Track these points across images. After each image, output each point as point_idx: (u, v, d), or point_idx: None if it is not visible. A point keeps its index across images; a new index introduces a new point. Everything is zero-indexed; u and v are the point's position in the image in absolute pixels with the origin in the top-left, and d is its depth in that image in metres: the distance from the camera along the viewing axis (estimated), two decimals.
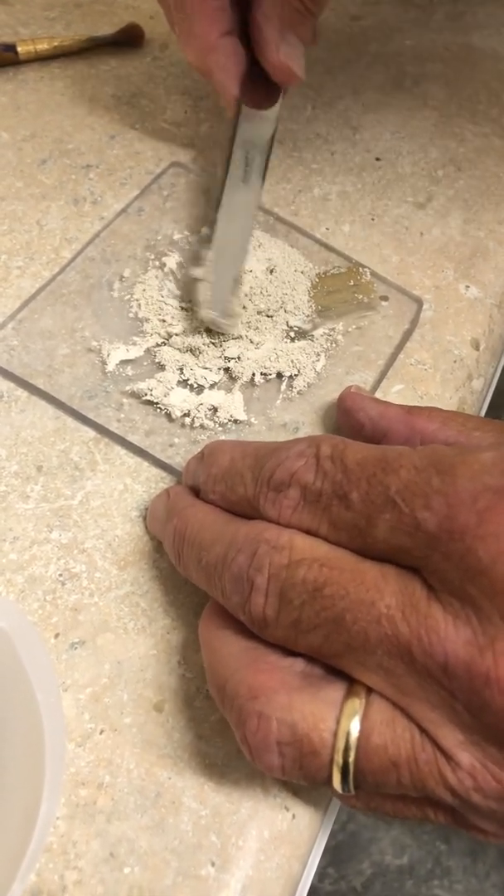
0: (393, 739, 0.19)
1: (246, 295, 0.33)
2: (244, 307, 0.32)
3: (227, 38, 0.32)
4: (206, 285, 0.32)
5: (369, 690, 0.20)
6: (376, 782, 0.20)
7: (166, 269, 0.34)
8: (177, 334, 0.32)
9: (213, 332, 0.32)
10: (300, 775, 0.21)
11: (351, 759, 0.20)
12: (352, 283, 0.34)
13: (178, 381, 0.31)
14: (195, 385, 0.31)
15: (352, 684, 0.21)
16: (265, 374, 0.32)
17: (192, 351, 0.32)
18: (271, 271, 0.34)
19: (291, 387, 0.32)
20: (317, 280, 0.34)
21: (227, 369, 0.32)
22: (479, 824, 0.20)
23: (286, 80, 0.33)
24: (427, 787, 0.19)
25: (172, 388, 0.31)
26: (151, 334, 0.32)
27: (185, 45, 0.33)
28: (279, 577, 0.21)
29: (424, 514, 0.19)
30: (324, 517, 0.22)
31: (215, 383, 0.31)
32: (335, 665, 0.21)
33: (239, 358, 0.32)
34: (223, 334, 0.32)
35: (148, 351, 0.32)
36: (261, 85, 0.34)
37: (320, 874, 0.97)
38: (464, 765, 0.19)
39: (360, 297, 0.34)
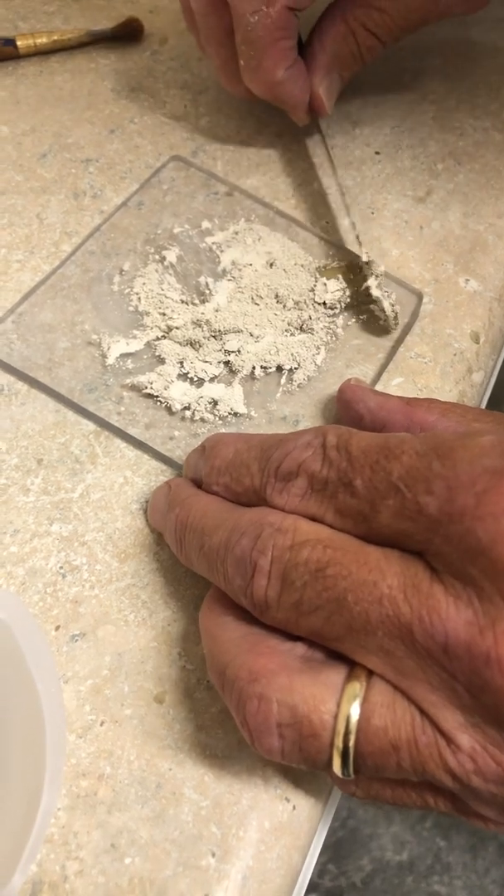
0: (393, 722, 0.19)
1: (245, 289, 0.33)
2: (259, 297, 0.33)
3: (292, 69, 0.34)
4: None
5: (370, 674, 0.20)
6: (376, 766, 0.20)
7: (166, 263, 0.34)
8: (177, 328, 0.32)
9: (212, 325, 0.32)
10: (300, 758, 0.21)
11: (351, 742, 0.20)
12: (351, 276, 0.34)
13: (178, 375, 0.31)
14: (195, 378, 0.31)
15: (352, 668, 0.21)
16: (265, 368, 0.32)
17: (192, 344, 0.32)
18: (271, 265, 0.34)
19: (291, 380, 0.32)
20: (317, 274, 0.34)
21: (227, 362, 0.32)
22: (479, 810, 0.20)
23: (316, 110, 0.36)
24: (427, 770, 0.19)
25: (172, 381, 0.31)
26: (151, 328, 0.32)
27: (253, 78, 0.34)
28: (282, 559, 0.21)
29: (426, 498, 0.19)
30: (330, 505, 0.22)
31: (215, 376, 0.31)
32: (336, 648, 0.21)
33: (239, 351, 0.32)
34: (223, 331, 0.32)
35: (148, 344, 0.32)
36: None
37: (320, 870, 0.97)
38: (464, 747, 0.19)
39: (360, 290, 0.34)
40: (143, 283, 0.33)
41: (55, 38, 0.41)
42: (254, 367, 0.32)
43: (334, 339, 0.33)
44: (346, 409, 0.28)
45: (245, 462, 0.24)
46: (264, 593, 0.21)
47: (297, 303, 0.33)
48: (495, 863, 1.00)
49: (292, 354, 0.32)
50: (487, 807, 0.20)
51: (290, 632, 0.22)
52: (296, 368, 0.32)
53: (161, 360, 0.31)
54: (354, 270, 0.34)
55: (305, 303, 0.33)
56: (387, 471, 0.20)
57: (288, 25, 0.32)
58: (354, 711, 0.20)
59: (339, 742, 0.20)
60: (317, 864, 0.27)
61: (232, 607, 0.23)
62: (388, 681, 0.20)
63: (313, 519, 0.22)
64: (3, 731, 0.24)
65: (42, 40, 0.40)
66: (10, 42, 0.40)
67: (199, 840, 0.24)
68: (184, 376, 0.31)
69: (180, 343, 0.32)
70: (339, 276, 0.34)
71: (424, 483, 0.20)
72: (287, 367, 0.32)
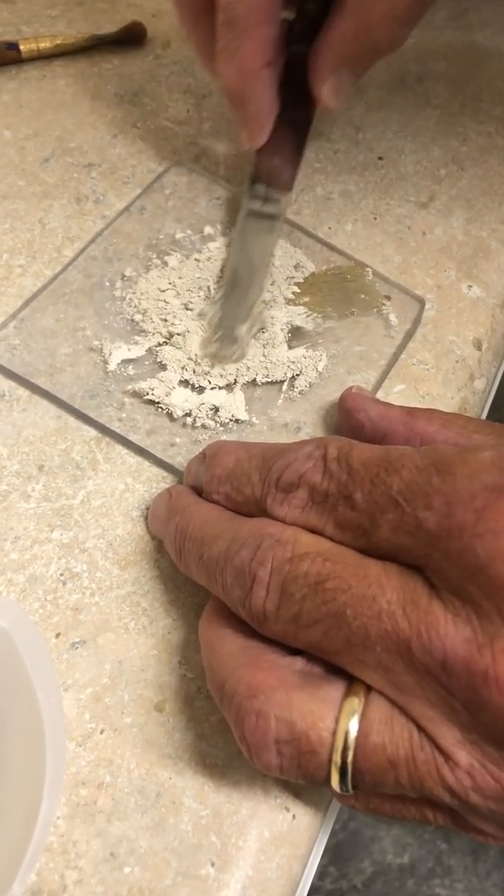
0: (391, 739, 0.19)
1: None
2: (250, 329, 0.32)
3: (270, 69, 0.31)
4: (208, 317, 0.32)
5: (368, 690, 0.20)
6: (374, 782, 0.20)
7: (168, 269, 0.34)
8: (178, 334, 0.32)
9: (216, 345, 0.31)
10: (298, 774, 0.21)
11: (349, 758, 0.20)
12: (353, 282, 0.34)
13: (180, 381, 0.31)
14: (196, 385, 0.31)
15: (351, 683, 0.21)
16: (267, 374, 0.32)
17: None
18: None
19: (293, 386, 0.32)
20: (311, 278, 0.34)
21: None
22: (478, 825, 0.20)
23: (322, 107, 0.33)
24: (425, 786, 0.19)
25: (174, 387, 0.31)
26: (153, 334, 0.32)
27: (227, 64, 0.31)
28: (282, 571, 0.21)
29: (425, 513, 0.19)
30: (329, 517, 0.22)
31: (217, 384, 0.31)
32: (334, 662, 0.21)
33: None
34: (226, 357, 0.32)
35: (149, 350, 0.32)
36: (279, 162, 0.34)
37: (321, 873, 0.97)
38: (462, 764, 0.19)
39: (363, 296, 0.34)
40: (145, 289, 0.33)
41: (58, 42, 0.41)
42: (255, 374, 0.31)
43: (336, 345, 0.33)
44: (347, 417, 0.28)
45: (246, 472, 0.24)
46: (263, 605, 0.21)
47: (299, 309, 0.33)
48: (497, 866, 1.00)
49: (294, 361, 0.32)
50: (486, 822, 0.20)
51: (288, 644, 0.22)
52: (297, 375, 0.32)
53: (162, 367, 0.31)
54: (357, 276, 0.34)
55: (307, 309, 0.33)
56: (387, 485, 0.20)
57: (271, 10, 0.29)
58: (353, 728, 0.20)
59: (337, 758, 0.20)
60: (318, 866, 0.27)
61: (231, 619, 0.23)
62: (387, 696, 0.20)
63: (313, 531, 0.22)
64: (2, 739, 0.24)
65: (45, 44, 0.40)
66: (14, 46, 0.40)
67: (199, 849, 0.24)
68: (185, 382, 0.31)
69: (182, 349, 0.32)
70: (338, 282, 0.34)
71: (424, 498, 0.19)
72: (289, 373, 0.32)
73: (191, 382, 0.31)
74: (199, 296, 0.33)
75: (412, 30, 0.30)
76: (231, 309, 0.32)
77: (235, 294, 0.33)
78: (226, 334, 0.31)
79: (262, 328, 0.32)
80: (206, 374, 0.31)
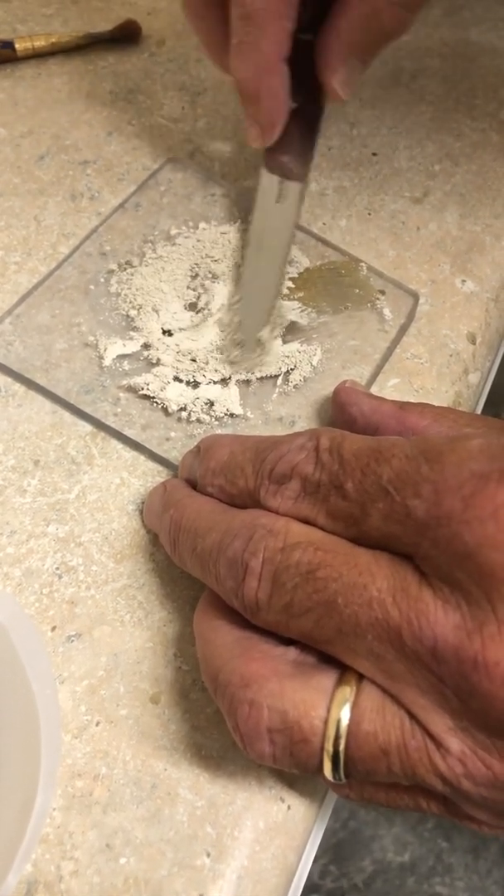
0: (383, 727, 0.19)
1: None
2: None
3: (285, 65, 0.30)
4: (228, 318, 0.32)
5: (360, 678, 0.20)
6: (367, 770, 0.20)
7: (163, 265, 0.34)
8: (172, 329, 0.32)
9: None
10: (291, 763, 0.21)
11: (341, 747, 0.20)
12: (348, 277, 0.34)
13: (175, 376, 0.31)
14: (191, 380, 0.31)
15: (343, 672, 0.21)
16: (261, 369, 0.32)
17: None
18: None
19: (287, 381, 0.32)
20: (305, 273, 0.34)
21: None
22: (470, 813, 0.20)
23: (333, 98, 0.31)
24: (417, 774, 0.19)
25: (169, 382, 0.31)
26: (148, 329, 0.32)
27: (243, 60, 0.29)
28: (273, 561, 0.21)
29: (414, 501, 0.19)
30: (321, 507, 0.22)
31: (212, 379, 0.31)
32: (326, 651, 0.21)
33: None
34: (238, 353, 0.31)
35: (144, 346, 0.32)
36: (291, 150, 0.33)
37: (321, 871, 0.97)
38: (453, 751, 0.19)
39: (357, 291, 0.34)
40: (140, 285, 0.33)
41: (53, 40, 0.41)
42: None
43: (330, 339, 0.33)
44: (340, 411, 0.28)
45: (240, 464, 0.24)
46: (255, 595, 0.21)
47: (293, 304, 0.33)
48: (497, 864, 1.00)
49: (288, 355, 0.32)
50: (479, 810, 0.20)
51: (281, 633, 0.22)
52: (292, 369, 0.32)
53: (157, 362, 0.32)
54: (351, 271, 0.34)
55: (302, 304, 0.33)
56: (377, 474, 0.20)
57: (290, 3, 0.28)
58: (344, 716, 0.20)
59: (329, 747, 0.20)
60: (318, 865, 0.28)
61: (225, 611, 0.23)
62: (378, 684, 0.20)
63: (306, 521, 0.22)
64: None
65: (40, 43, 0.41)
66: (9, 45, 0.40)
67: (194, 840, 0.24)
68: (178, 379, 0.31)
69: (177, 344, 0.32)
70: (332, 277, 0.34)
71: (413, 487, 0.20)
72: (283, 368, 0.32)
73: (184, 379, 0.31)
74: (193, 292, 0.33)
75: (418, 13, 0.29)
76: (251, 313, 0.32)
77: (254, 297, 0.32)
78: (248, 339, 0.31)
79: (283, 326, 0.32)
80: (200, 369, 0.31)
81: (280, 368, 0.32)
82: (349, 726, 0.20)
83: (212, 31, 0.31)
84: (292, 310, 0.33)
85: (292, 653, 0.22)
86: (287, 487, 0.23)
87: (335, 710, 0.20)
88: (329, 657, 0.21)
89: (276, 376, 0.32)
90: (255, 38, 0.29)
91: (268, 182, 0.33)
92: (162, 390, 0.31)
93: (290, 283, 0.34)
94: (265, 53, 0.29)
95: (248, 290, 0.33)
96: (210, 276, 0.34)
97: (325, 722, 0.20)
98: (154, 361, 0.31)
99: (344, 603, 0.20)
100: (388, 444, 0.21)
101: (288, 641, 0.22)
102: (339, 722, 0.20)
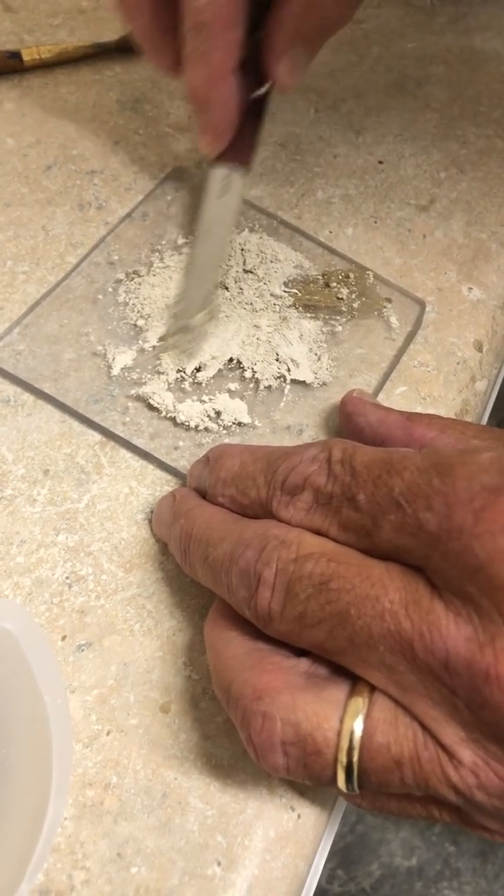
0: (396, 738, 0.20)
1: (249, 299, 0.33)
2: (225, 314, 0.32)
3: (236, 74, 0.31)
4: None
5: (372, 689, 0.20)
6: (380, 781, 0.20)
7: (170, 274, 0.34)
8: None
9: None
10: (305, 775, 0.21)
11: (355, 758, 0.20)
12: (354, 285, 0.34)
13: (180, 387, 0.31)
14: (197, 397, 0.31)
15: (355, 684, 0.21)
16: (268, 377, 0.32)
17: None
18: (273, 272, 0.34)
19: (295, 389, 0.32)
20: (311, 281, 0.34)
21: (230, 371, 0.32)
22: (483, 823, 0.20)
23: (280, 89, 0.32)
24: (430, 785, 0.19)
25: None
26: (156, 338, 0.32)
27: (195, 69, 0.30)
28: (286, 571, 0.21)
29: (426, 514, 0.20)
30: (334, 519, 0.22)
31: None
32: (338, 662, 0.21)
33: (241, 362, 0.32)
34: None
35: (153, 355, 0.32)
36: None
37: (329, 876, 0.97)
38: (466, 762, 0.19)
39: (364, 299, 0.34)
40: (148, 294, 0.33)
41: (60, 50, 0.41)
42: (257, 377, 0.32)
43: (338, 347, 0.33)
44: (347, 421, 0.28)
45: (251, 475, 0.24)
46: (268, 605, 0.22)
47: (299, 312, 0.33)
48: None
49: (296, 363, 0.32)
50: (491, 820, 0.20)
51: (293, 644, 0.22)
52: (299, 378, 0.32)
53: (165, 371, 0.32)
54: (358, 279, 0.34)
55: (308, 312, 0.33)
56: (389, 486, 0.21)
57: (239, 14, 0.29)
58: (357, 728, 0.20)
59: (342, 758, 0.20)
60: (326, 869, 0.28)
61: (236, 621, 0.23)
62: (391, 696, 0.20)
63: (318, 532, 0.22)
64: (10, 741, 0.24)
65: (47, 53, 0.41)
66: (16, 55, 0.40)
67: (205, 849, 0.24)
68: (180, 388, 0.31)
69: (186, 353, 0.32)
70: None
71: (424, 499, 0.20)
72: (290, 376, 0.32)
73: (186, 389, 0.31)
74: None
75: (359, 4, 0.31)
76: (191, 299, 0.32)
77: (195, 284, 0.32)
78: (181, 324, 0.31)
79: (214, 315, 0.32)
80: (202, 384, 0.31)
81: (288, 377, 0.32)
82: (362, 738, 0.20)
83: (152, 34, 0.31)
84: (299, 318, 0.33)
85: (304, 664, 0.22)
86: (299, 499, 0.23)
87: (348, 721, 0.20)
88: (340, 669, 0.21)
89: (284, 384, 0.32)
90: (206, 48, 0.29)
91: (214, 175, 0.34)
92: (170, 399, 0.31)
93: (296, 292, 0.34)
94: (216, 63, 0.30)
95: (190, 278, 0.33)
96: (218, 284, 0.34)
97: (339, 734, 0.20)
98: (162, 371, 0.32)
99: (357, 614, 0.20)
100: (400, 457, 0.21)
101: (299, 653, 0.22)
102: (352, 733, 0.20)
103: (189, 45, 0.30)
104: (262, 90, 0.34)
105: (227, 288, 0.33)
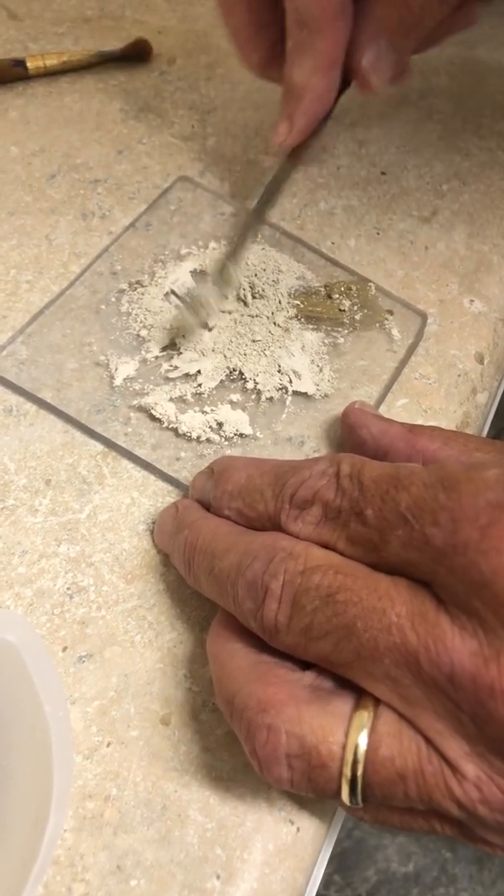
0: (400, 752, 0.20)
1: (252, 310, 0.33)
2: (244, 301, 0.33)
3: (338, 70, 0.31)
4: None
5: (377, 703, 0.21)
6: (384, 795, 0.20)
7: (174, 284, 0.34)
8: (185, 349, 0.32)
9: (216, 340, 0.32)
10: (309, 788, 0.21)
11: (359, 771, 0.20)
12: (356, 297, 0.34)
13: (183, 399, 0.31)
14: (200, 408, 0.31)
15: (360, 697, 0.21)
16: (270, 388, 0.32)
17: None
18: (275, 283, 0.34)
19: (296, 401, 0.32)
20: (313, 292, 0.34)
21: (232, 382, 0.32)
22: (486, 837, 0.20)
23: (363, 86, 0.32)
24: (433, 799, 0.19)
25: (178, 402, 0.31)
26: (159, 349, 0.32)
27: (300, 59, 0.30)
28: (294, 583, 0.21)
29: (432, 529, 0.20)
30: (342, 533, 0.22)
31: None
32: (344, 674, 0.21)
33: (243, 373, 0.32)
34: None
35: (155, 366, 0.32)
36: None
37: (326, 881, 0.97)
38: (469, 776, 0.19)
39: (366, 311, 0.34)
40: (151, 305, 0.34)
41: (64, 59, 0.41)
42: (259, 388, 0.32)
43: (339, 359, 0.33)
44: (349, 433, 0.28)
45: (258, 488, 0.25)
46: (275, 617, 0.22)
47: (301, 323, 0.33)
48: (502, 875, 1.00)
49: (298, 375, 0.32)
50: (493, 834, 0.20)
51: (298, 657, 0.22)
52: (301, 389, 0.32)
53: (168, 382, 0.32)
54: (360, 291, 0.34)
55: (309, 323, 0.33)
56: (396, 501, 0.21)
57: (345, 6, 0.29)
58: (362, 741, 0.20)
59: (347, 772, 0.20)
60: (322, 875, 0.28)
61: (240, 633, 0.24)
62: (395, 709, 0.20)
63: (325, 546, 0.22)
64: (10, 752, 0.24)
65: (52, 61, 0.41)
66: (20, 63, 0.41)
67: (205, 862, 0.24)
68: (181, 399, 0.32)
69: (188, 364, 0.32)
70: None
71: (431, 515, 0.20)
72: (292, 388, 0.32)
73: (188, 400, 0.31)
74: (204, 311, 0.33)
75: (449, 7, 0.30)
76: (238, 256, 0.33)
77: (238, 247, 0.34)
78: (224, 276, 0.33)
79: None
80: (204, 395, 0.31)
81: (289, 388, 0.32)
82: (367, 751, 0.20)
83: (249, 34, 0.31)
84: (301, 329, 0.33)
85: (309, 677, 0.22)
86: (308, 512, 0.23)
87: (353, 735, 0.20)
88: (345, 682, 0.21)
89: (286, 396, 0.32)
90: (311, 40, 0.29)
91: (283, 167, 0.34)
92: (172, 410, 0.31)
93: (298, 303, 0.34)
94: (321, 54, 0.30)
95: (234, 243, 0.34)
96: (220, 294, 0.34)
97: (343, 747, 0.20)
98: (164, 381, 0.32)
99: (363, 627, 0.20)
100: (407, 472, 0.21)
101: (304, 666, 0.22)
102: (356, 747, 0.20)
103: (293, 39, 0.30)
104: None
105: (228, 299, 0.33)
